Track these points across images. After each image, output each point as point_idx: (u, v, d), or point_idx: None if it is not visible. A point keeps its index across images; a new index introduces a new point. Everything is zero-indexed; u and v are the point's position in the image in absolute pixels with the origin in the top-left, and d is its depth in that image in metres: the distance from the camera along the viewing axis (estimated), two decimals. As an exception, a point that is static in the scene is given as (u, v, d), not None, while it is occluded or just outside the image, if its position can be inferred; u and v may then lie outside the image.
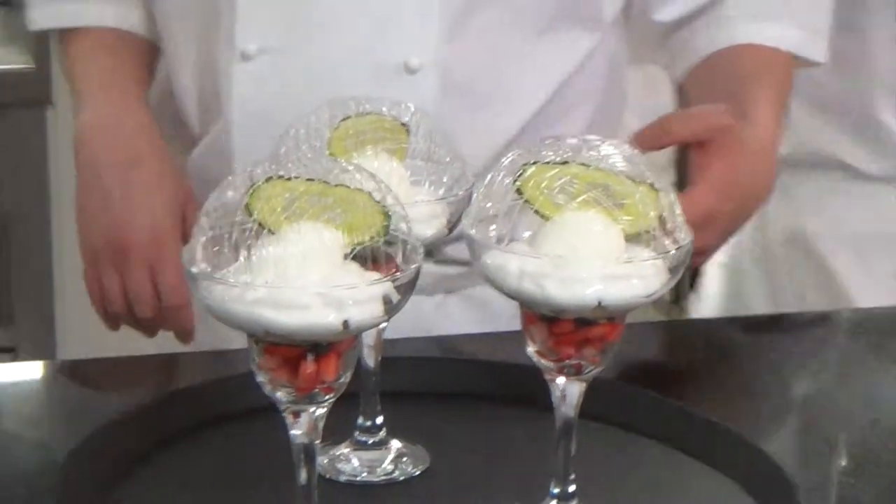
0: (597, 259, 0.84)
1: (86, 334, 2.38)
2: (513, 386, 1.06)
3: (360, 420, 0.96)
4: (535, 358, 0.91)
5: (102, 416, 0.96)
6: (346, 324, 0.74)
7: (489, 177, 0.87)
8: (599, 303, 0.85)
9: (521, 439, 1.01)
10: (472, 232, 0.86)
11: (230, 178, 0.79)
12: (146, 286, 1.32)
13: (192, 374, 1.06)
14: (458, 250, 1.16)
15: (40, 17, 1.51)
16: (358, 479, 0.95)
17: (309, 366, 0.76)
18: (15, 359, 2.42)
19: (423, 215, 0.90)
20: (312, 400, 0.78)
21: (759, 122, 1.26)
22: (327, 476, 0.93)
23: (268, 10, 1.32)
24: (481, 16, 1.31)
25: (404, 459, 0.97)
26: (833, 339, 1.39)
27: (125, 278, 1.33)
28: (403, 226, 0.77)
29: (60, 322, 2.43)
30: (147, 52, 1.47)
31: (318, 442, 0.81)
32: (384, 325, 0.85)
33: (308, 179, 0.77)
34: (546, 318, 0.88)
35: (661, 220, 0.85)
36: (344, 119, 0.93)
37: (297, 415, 0.79)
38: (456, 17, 1.29)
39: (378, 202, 0.77)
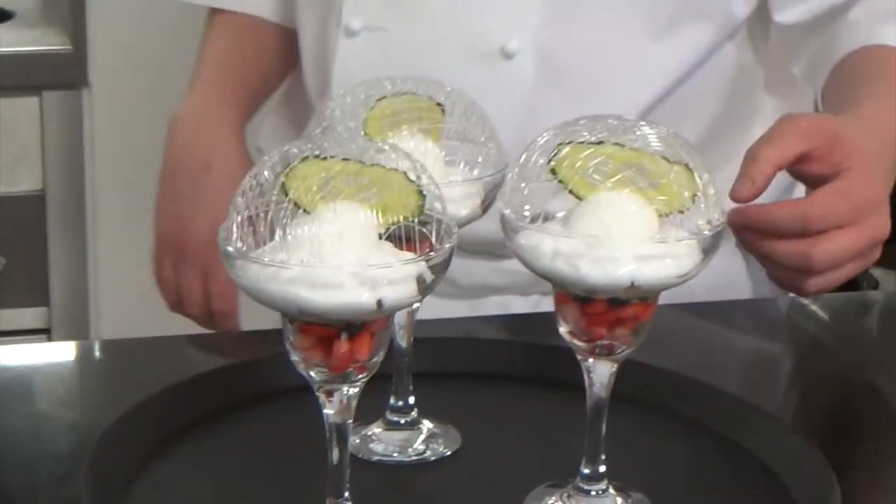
0: (630, 239, 0.84)
1: (120, 316, 2.41)
2: (544, 367, 1.06)
3: (392, 400, 0.97)
4: (568, 338, 0.91)
5: (137, 396, 0.97)
6: (379, 303, 0.74)
7: (524, 156, 0.87)
8: (632, 283, 0.85)
9: (552, 420, 1.00)
10: (507, 212, 0.86)
11: (265, 157, 0.79)
12: (196, 288, 1.36)
13: (227, 355, 1.06)
14: None
15: None
16: (389, 459, 0.95)
17: (342, 345, 0.77)
18: (49, 339, 2.43)
19: (457, 195, 0.90)
20: (345, 379, 0.79)
21: (864, 114, 1.17)
22: (359, 455, 0.93)
23: None
24: (590, 2, 1.29)
25: (436, 440, 0.97)
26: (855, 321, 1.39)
27: (179, 276, 1.36)
28: (438, 205, 0.78)
29: (94, 304, 2.44)
30: (279, 44, 1.50)
31: (350, 422, 0.81)
32: (417, 305, 0.86)
33: (344, 159, 0.77)
34: (579, 299, 0.88)
35: (696, 201, 0.85)
36: (380, 99, 0.93)
37: (330, 394, 0.79)
38: (560, 3, 1.28)
39: (413, 182, 0.77)
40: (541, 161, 0.86)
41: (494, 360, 1.09)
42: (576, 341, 0.90)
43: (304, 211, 0.76)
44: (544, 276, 0.88)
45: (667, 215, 0.85)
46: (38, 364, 1.21)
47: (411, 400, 0.97)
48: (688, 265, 0.85)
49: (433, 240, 0.77)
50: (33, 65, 2.43)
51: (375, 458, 0.94)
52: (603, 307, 0.88)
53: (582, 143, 0.86)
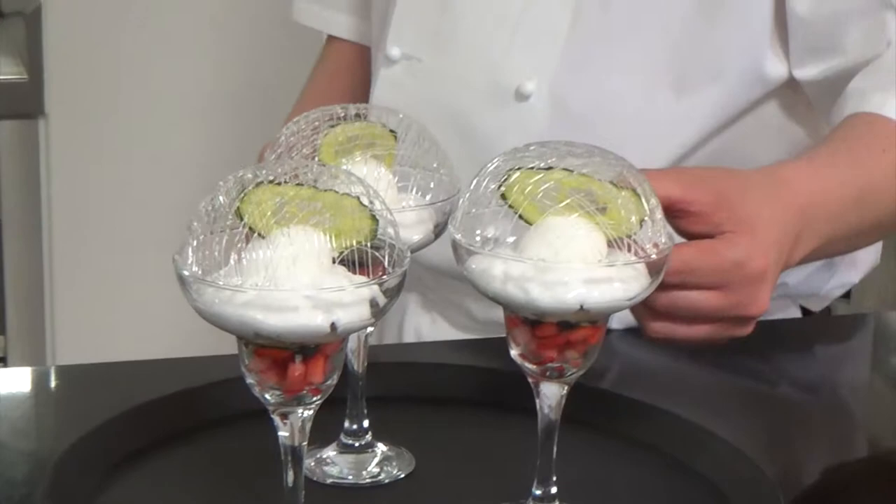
0: (579, 263, 0.84)
1: (76, 343, 2.39)
2: (496, 390, 1.06)
3: (347, 423, 0.96)
4: (519, 361, 0.91)
5: (93, 421, 0.96)
6: (333, 326, 0.74)
7: (474, 182, 0.87)
8: (581, 306, 0.85)
9: (504, 442, 1.00)
10: (458, 236, 0.87)
11: (221, 182, 0.78)
12: None
13: (183, 379, 1.05)
14: None
15: (301, 12, 1.58)
16: (344, 481, 0.95)
17: (297, 368, 0.77)
18: (6, 366, 2.42)
19: (410, 220, 0.90)
20: (300, 402, 0.78)
21: (780, 175, 1.10)
22: (314, 478, 0.93)
23: (417, 19, 1.33)
24: (610, 53, 1.27)
25: (390, 463, 0.96)
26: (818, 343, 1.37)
27: None
28: (391, 230, 0.78)
29: (50, 330, 2.43)
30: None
31: (305, 444, 0.80)
32: (371, 329, 0.86)
33: (297, 184, 0.77)
34: (529, 322, 0.88)
35: (643, 225, 0.85)
36: (333, 125, 0.93)
37: (284, 417, 0.79)
38: (582, 49, 1.27)
39: (366, 207, 0.77)
40: (491, 186, 0.86)
41: (447, 384, 1.09)
42: (527, 364, 0.90)
43: (259, 235, 0.75)
44: (495, 299, 0.88)
45: (614, 239, 0.85)
46: None
47: (365, 423, 0.97)
48: (636, 288, 0.85)
49: (386, 264, 0.77)
50: None
51: (330, 480, 0.94)
52: (553, 330, 0.88)
53: (531, 168, 0.86)
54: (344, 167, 0.85)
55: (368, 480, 0.95)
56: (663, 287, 0.92)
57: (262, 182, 0.77)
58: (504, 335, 0.93)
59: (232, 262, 0.75)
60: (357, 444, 0.96)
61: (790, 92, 1.27)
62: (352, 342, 0.92)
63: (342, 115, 0.95)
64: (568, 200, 0.84)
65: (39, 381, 1.33)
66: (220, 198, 0.77)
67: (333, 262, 0.76)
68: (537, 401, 0.90)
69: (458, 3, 1.30)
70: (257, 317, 0.74)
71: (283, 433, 0.80)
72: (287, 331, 0.74)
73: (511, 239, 0.87)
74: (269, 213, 0.76)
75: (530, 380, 0.90)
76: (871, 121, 1.15)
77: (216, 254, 0.76)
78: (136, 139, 2.33)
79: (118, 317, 2.27)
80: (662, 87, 1.25)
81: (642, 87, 1.25)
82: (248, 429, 0.90)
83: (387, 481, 0.95)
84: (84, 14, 2.31)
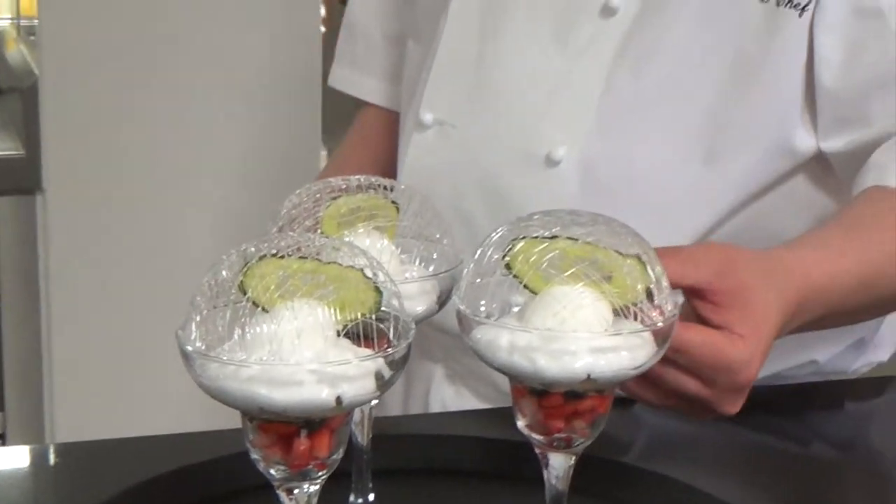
0: (585, 332, 0.83)
1: (76, 420, 2.38)
2: (503, 461, 1.05)
3: (352, 497, 0.95)
4: (526, 432, 0.90)
5: (94, 499, 0.96)
6: (339, 400, 0.74)
7: (478, 252, 0.87)
8: (589, 375, 0.85)
9: None
10: (463, 307, 0.86)
11: (224, 256, 0.78)
12: None
13: (185, 455, 1.05)
14: None
15: (339, 79, 1.63)
16: None
17: (302, 442, 0.76)
18: (4, 444, 2.42)
19: (413, 292, 0.90)
20: (306, 477, 0.78)
21: (786, 256, 1.09)
22: None
23: (451, 85, 1.34)
24: (640, 121, 1.27)
25: None
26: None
27: None
28: (395, 302, 0.77)
29: (49, 407, 2.43)
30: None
31: None
32: (376, 402, 0.86)
33: (301, 257, 0.77)
34: (536, 392, 0.88)
35: (649, 293, 0.85)
36: (336, 197, 0.93)
37: (290, 492, 0.79)
38: (614, 117, 1.27)
39: (369, 279, 0.77)
40: (495, 256, 0.86)
41: (454, 456, 1.08)
42: (534, 435, 0.90)
43: (263, 309, 0.75)
44: (501, 370, 0.87)
45: (621, 308, 0.84)
46: None
47: (371, 497, 0.96)
48: (642, 357, 0.85)
49: (391, 336, 0.76)
50: None
51: None
52: (560, 400, 0.88)
53: (535, 237, 0.86)
54: (347, 239, 0.86)
55: None
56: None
57: (265, 255, 0.77)
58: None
59: (236, 336, 0.75)
60: None
61: (819, 165, 1.26)
62: (356, 415, 0.91)
63: (344, 186, 0.95)
64: (573, 269, 0.84)
65: (38, 458, 1.32)
66: (223, 272, 0.77)
67: (338, 335, 0.75)
68: (545, 472, 0.89)
69: (493, 72, 1.31)
70: (262, 392, 0.73)
71: None
72: (292, 405, 0.74)
73: (516, 309, 0.87)
74: (272, 287, 0.75)
75: (538, 451, 0.90)
76: (887, 196, 1.14)
77: (220, 328, 0.76)
78: (135, 214, 2.35)
79: (118, 393, 2.27)
80: (692, 157, 1.24)
81: (672, 156, 1.25)
82: (259, 498, 0.88)
83: None
84: (81, 89, 2.32)
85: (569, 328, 0.84)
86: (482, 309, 0.87)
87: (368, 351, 0.75)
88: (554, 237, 0.86)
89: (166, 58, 2.31)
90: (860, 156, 1.19)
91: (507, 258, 0.85)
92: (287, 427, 0.76)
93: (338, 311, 0.76)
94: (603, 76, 1.25)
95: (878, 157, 1.17)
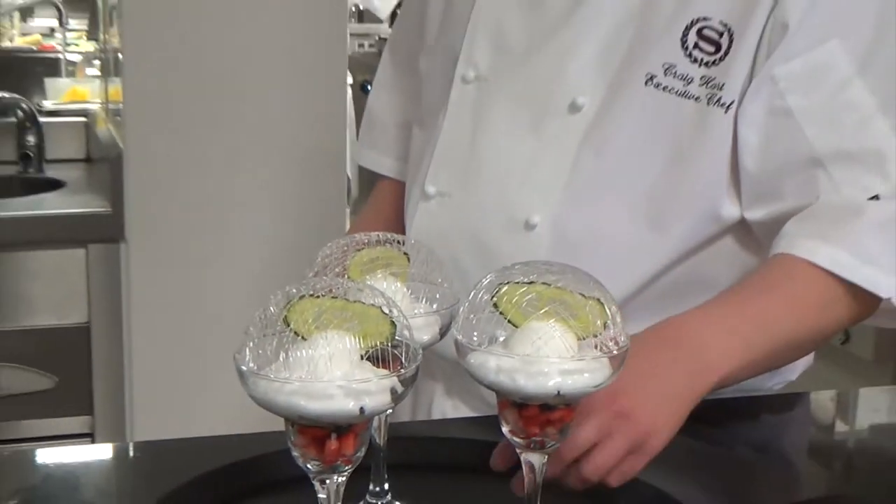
0: (556, 358, 0.84)
1: (150, 423, 2.37)
2: (491, 458, 1.03)
3: (371, 486, 0.95)
4: (509, 436, 0.91)
5: (166, 488, 0.96)
6: (362, 410, 0.75)
7: (472, 294, 0.87)
8: (559, 392, 0.86)
9: (498, 501, 0.98)
10: (459, 337, 0.86)
11: (272, 296, 0.79)
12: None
13: (239, 453, 1.04)
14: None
15: (363, 157, 1.64)
16: None
17: (333, 443, 0.77)
18: (93, 442, 2.40)
19: (420, 324, 0.90)
20: (335, 470, 0.79)
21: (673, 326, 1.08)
22: None
23: (449, 164, 1.33)
24: (600, 193, 1.25)
25: None
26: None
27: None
28: (406, 333, 0.78)
29: (129, 413, 2.41)
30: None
31: (337, 502, 0.80)
32: (391, 410, 0.85)
33: (332, 297, 0.78)
34: (516, 405, 0.88)
35: (606, 327, 0.86)
36: (359, 249, 0.93)
37: (323, 482, 0.79)
38: (579, 189, 1.24)
39: (386, 314, 0.78)
40: (485, 297, 0.86)
41: (452, 454, 1.08)
42: (515, 438, 0.90)
43: (302, 338, 0.76)
44: (490, 387, 0.88)
45: (583, 338, 0.85)
46: (83, 462, 1.20)
47: (386, 486, 0.96)
48: (601, 377, 0.86)
49: (403, 360, 0.77)
50: (80, 223, 2.44)
51: None
52: (536, 411, 0.88)
53: (517, 283, 0.86)
54: (368, 283, 0.86)
55: None
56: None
57: (304, 296, 0.78)
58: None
59: (280, 359, 0.76)
60: (379, 503, 0.96)
61: (743, 228, 1.25)
62: (375, 421, 0.91)
63: (366, 241, 0.95)
64: (546, 308, 0.85)
65: (120, 454, 1.32)
66: (271, 308, 0.77)
67: (361, 358, 0.76)
68: (524, 466, 0.89)
69: (482, 154, 1.30)
70: (301, 403, 0.74)
71: (321, 496, 0.80)
72: (324, 414, 0.75)
73: (501, 339, 0.87)
74: (309, 321, 0.76)
75: (518, 451, 0.90)
76: (787, 261, 1.13)
77: (268, 353, 0.77)
78: (200, 259, 2.34)
79: (186, 402, 2.25)
80: (640, 222, 1.23)
81: (625, 221, 1.23)
82: (294, 493, 0.88)
83: None
84: (157, 159, 2.32)
85: (543, 354, 0.84)
86: (475, 338, 0.86)
87: (385, 371, 0.76)
88: (531, 282, 0.86)
89: (222, 137, 2.32)
90: (776, 224, 1.18)
91: (494, 299, 0.86)
92: (320, 431, 0.77)
93: (361, 339, 0.76)
94: (570, 158, 1.24)
95: (789, 227, 1.15)
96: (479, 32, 1.31)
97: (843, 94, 1.17)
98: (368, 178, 1.91)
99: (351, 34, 2.80)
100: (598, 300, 0.88)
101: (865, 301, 1.13)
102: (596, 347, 0.87)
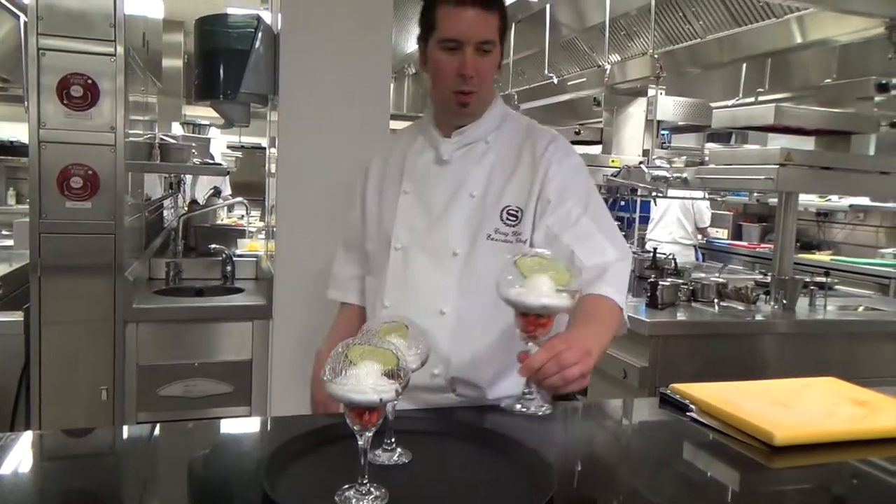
0: (545, 289, 0.94)
1: (281, 408, 2.25)
2: (468, 428, 1.01)
3: (386, 439, 0.94)
4: (518, 333, 1.00)
5: (285, 437, 0.91)
6: (381, 401, 0.78)
7: (505, 267, 0.99)
8: (544, 306, 0.97)
9: (481, 463, 0.92)
10: (500, 285, 0.99)
11: (340, 343, 0.80)
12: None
13: (327, 420, 0.99)
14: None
15: (332, 294, 1.40)
16: (381, 462, 0.91)
17: (367, 417, 0.79)
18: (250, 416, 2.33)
19: (411, 359, 0.90)
20: (367, 430, 0.80)
21: (576, 334, 1.05)
22: (373, 461, 0.89)
23: (395, 287, 1.23)
24: (476, 296, 1.17)
25: (403, 456, 0.93)
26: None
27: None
28: (403, 363, 0.80)
29: (269, 404, 2.34)
30: (361, 314, 1.35)
31: (368, 447, 0.81)
32: (396, 402, 0.85)
33: (368, 344, 0.80)
34: (522, 314, 0.98)
35: (570, 281, 0.98)
36: (385, 323, 0.93)
37: (361, 435, 0.81)
38: (466, 294, 1.18)
39: (395, 354, 0.80)
40: (511, 262, 1.00)
41: (430, 424, 1.02)
42: (521, 333, 0.99)
43: (352, 363, 0.78)
44: (511, 304, 0.99)
45: (560, 286, 0.96)
46: (243, 430, 1.15)
47: (393, 439, 0.94)
48: (568, 304, 0.98)
49: (402, 376, 0.79)
50: (250, 310, 2.37)
51: (379, 461, 0.91)
52: (533, 318, 0.98)
53: (524, 256, 0.99)
54: (387, 339, 0.85)
55: (393, 461, 0.92)
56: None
57: (355, 343, 0.80)
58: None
59: (342, 374, 0.78)
60: (389, 448, 0.94)
61: None
62: (388, 406, 0.90)
63: (387, 320, 0.94)
64: (540, 266, 0.97)
65: (259, 424, 1.29)
66: (339, 349, 0.80)
67: (382, 375, 0.78)
68: (529, 349, 1.00)
69: (411, 282, 1.21)
70: (351, 395, 0.78)
71: (360, 443, 0.81)
72: (362, 402, 0.78)
73: (518, 283, 0.96)
74: (357, 355, 0.79)
75: (523, 340, 1.00)
76: (594, 298, 1.13)
77: (337, 371, 0.79)
78: (314, 330, 2.17)
79: (299, 396, 2.11)
80: (494, 306, 1.08)
81: (488, 306, 1.12)
82: (347, 441, 0.84)
83: (402, 462, 0.91)
84: (292, 283, 2.23)
85: (538, 286, 0.94)
86: (509, 281, 0.98)
87: (394, 382, 0.79)
88: (535, 255, 0.99)
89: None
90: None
91: (516, 260, 0.98)
92: (361, 410, 0.79)
93: (382, 365, 0.79)
94: (456, 279, 1.19)
95: (587, 283, 1.13)
96: (400, 225, 1.24)
97: (577, 225, 1.18)
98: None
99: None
100: (567, 266, 0.98)
101: (618, 315, 1.15)
102: (566, 290, 0.97)
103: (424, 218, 1.23)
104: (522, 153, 1.22)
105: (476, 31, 1.13)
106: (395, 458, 0.93)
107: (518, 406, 1.08)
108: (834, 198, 4.64)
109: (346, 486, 0.81)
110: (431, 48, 1.17)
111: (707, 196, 3.59)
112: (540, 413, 1.09)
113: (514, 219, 1.19)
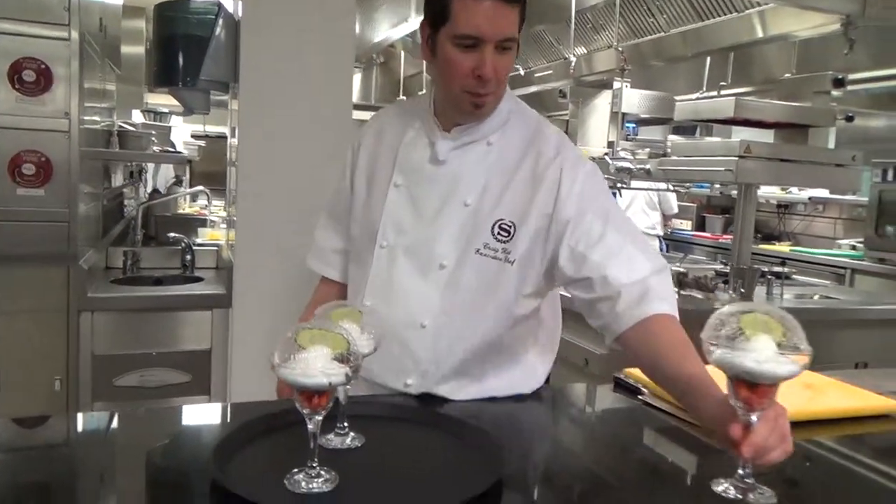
0: (771, 353, 0.78)
1: (240, 395, 2.22)
2: (421, 412, 1.02)
3: (338, 423, 0.94)
4: (739, 405, 0.79)
5: (240, 421, 0.92)
6: (331, 384, 0.78)
7: (716, 316, 0.80)
8: (792, 374, 0.78)
9: (427, 440, 0.94)
10: (717, 350, 0.79)
11: (291, 327, 0.80)
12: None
13: (277, 407, 0.97)
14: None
15: (313, 265, 1.32)
16: (333, 446, 0.92)
17: (316, 400, 0.79)
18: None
19: (364, 343, 0.90)
20: (317, 414, 0.80)
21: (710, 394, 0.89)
22: (322, 445, 0.90)
23: (377, 290, 1.17)
24: (461, 311, 1.13)
25: (356, 440, 0.94)
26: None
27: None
28: (354, 348, 0.80)
29: (229, 393, 2.33)
30: (341, 291, 1.29)
31: (318, 431, 0.81)
32: (348, 386, 0.84)
33: (319, 329, 0.80)
34: (750, 383, 0.79)
35: (788, 339, 0.78)
36: (338, 307, 0.93)
37: (311, 419, 0.80)
38: (448, 307, 1.13)
39: (345, 338, 0.80)
40: (732, 317, 0.79)
41: (387, 409, 1.03)
42: (744, 405, 0.79)
43: (302, 347, 0.78)
44: (739, 376, 0.79)
45: (777, 344, 0.78)
46: (202, 418, 1.15)
47: (346, 423, 0.94)
48: (794, 369, 0.78)
49: (352, 360, 0.79)
50: (209, 299, 2.35)
51: (330, 446, 0.92)
52: (765, 388, 0.79)
53: (748, 311, 0.80)
54: (340, 324, 0.85)
55: (346, 446, 0.92)
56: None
57: (305, 328, 0.80)
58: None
59: (292, 358, 0.78)
60: (342, 433, 0.94)
61: (526, 319, 1.18)
62: (339, 391, 0.91)
63: (341, 304, 0.97)
64: (761, 326, 0.79)
65: (221, 412, 1.26)
66: (289, 335, 0.79)
67: (332, 359, 0.78)
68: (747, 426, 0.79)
69: (394, 287, 1.16)
70: (300, 380, 0.77)
71: (310, 426, 0.80)
72: (312, 386, 0.78)
73: (742, 344, 0.79)
74: (307, 339, 0.79)
75: (742, 415, 0.79)
76: (670, 324, 1.02)
77: (286, 355, 0.78)
78: (274, 318, 2.19)
79: (253, 382, 2.05)
80: (483, 314, 1.13)
81: (469, 321, 1.14)
82: (299, 426, 0.82)
83: (354, 446, 0.92)
84: (254, 270, 2.20)
85: (764, 349, 0.77)
86: (721, 336, 0.79)
87: (344, 366, 0.78)
88: (752, 311, 0.80)
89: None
90: (586, 302, 1.10)
91: (741, 318, 0.79)
92: (310, 393, 0.78)
93: (332, 348, 0.78)
94: (440, 292, 1.14)
95: (623, 304, 1.05)
96: (387, 222, 1.18)
97: (603, 241, 1.09)
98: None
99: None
100: (782, 324, 0.79)
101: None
102: (783, 353, 0.78)
103: (414, 220, 1.16)
104: (525, 161, 1.13)
105: (498, 28, 1.01)
106: (348, 441, 0.93)
107: (751, 497, 0.82)
108: (794, 190, 4.73)
109: (296, 469, 0.81)
110: (442, 42, 1.05)
111: (671, 188, 3.66)
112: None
113: (506, 234, 1.11)
